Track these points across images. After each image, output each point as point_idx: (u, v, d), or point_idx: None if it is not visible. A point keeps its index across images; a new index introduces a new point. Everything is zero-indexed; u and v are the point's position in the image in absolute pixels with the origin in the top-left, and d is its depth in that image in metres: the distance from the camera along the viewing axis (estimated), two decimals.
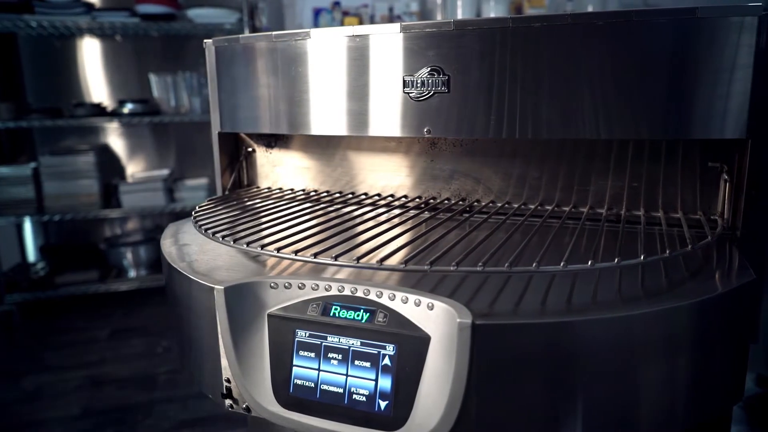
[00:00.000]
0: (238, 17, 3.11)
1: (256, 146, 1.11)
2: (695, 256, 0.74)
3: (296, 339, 0.67)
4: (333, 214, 0.91)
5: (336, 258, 0.65)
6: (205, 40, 1.04)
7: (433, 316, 0.61)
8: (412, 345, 0.62)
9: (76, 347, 2.79)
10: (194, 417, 2.25)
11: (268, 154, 1.11)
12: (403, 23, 0.84)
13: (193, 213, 0.90)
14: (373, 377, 0.64)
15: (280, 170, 1.11)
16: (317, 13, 3.23)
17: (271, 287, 0.69)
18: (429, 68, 0.83)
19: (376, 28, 0.85)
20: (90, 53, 3.35)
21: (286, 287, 0.69)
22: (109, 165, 3.33)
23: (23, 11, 2.86)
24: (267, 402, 0.68)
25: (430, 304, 0.62)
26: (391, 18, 3.22)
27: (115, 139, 3.46)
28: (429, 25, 0.82)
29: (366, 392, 0.64)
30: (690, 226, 0.78)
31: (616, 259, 0.62)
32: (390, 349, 0.63)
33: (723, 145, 0.81)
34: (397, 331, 0.63)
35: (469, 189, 0.98)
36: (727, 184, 0.81)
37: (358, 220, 0.86)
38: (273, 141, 1.10)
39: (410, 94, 0.84)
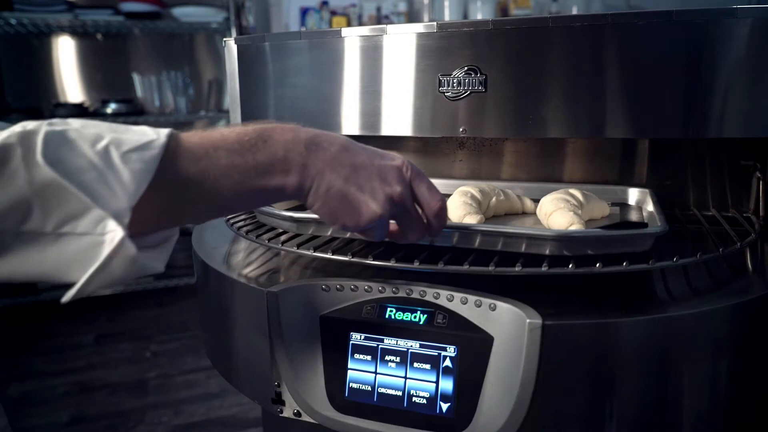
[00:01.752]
0: (225, 16, 3.07)
1: None
2: (738, 254, 0.74)
3: (351, 342, 0.66)
4: None
5: (396, 260, 0.64)
6: (224, 39, 1.02)
7: (496, 317, 0.61)
8: (475, 346, 0.62)
9: (62, 353, 2.73)
10: (188, 422, 2.21)
11: None
12: (439, 22, 0.83)
13: None
14: (434, 379, 0.63)
15: None
16: (304, 12, 3.21)
17: (323, 289, 0.68)
18: (465, 67, 0.82)
19: (410, 27, 0.84)
20: (71, 52, 3.27)
21: (338, 289, 0.68)
22: None
23: (2, 9, 2.79)
24: (321, 406, 0.67)
25: (492, 305, 0.62)
26: (378, 18, 3.22)
27: None
28: (466, 24, 0.81)
29: (426, 394, 0.63)
30: (719, 224, 0.79)
31: (674, 258, 0.62)
32: (451, 350, 0.63)
33: (756, 144, 0.83)
34: (458, 332, 0.63)
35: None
36: (761, 183, 0.82)
37: None
38: None
39: (446, 94, 0.84)
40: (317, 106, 0.92)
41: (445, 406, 0.62)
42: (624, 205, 0.88)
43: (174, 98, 3.21)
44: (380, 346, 0.65)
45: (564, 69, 0.79)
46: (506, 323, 0.60)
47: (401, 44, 0.84)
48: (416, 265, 0.63)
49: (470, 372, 0.62)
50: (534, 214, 0.83)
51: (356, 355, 0.66)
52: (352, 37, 0.87)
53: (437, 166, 1.01)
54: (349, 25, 3.17)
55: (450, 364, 0.63)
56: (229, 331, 0.76)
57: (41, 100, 3.17)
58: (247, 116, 1.01)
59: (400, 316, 0.65)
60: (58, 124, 0.46)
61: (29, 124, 0.45)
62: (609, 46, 0.77)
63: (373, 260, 0.65)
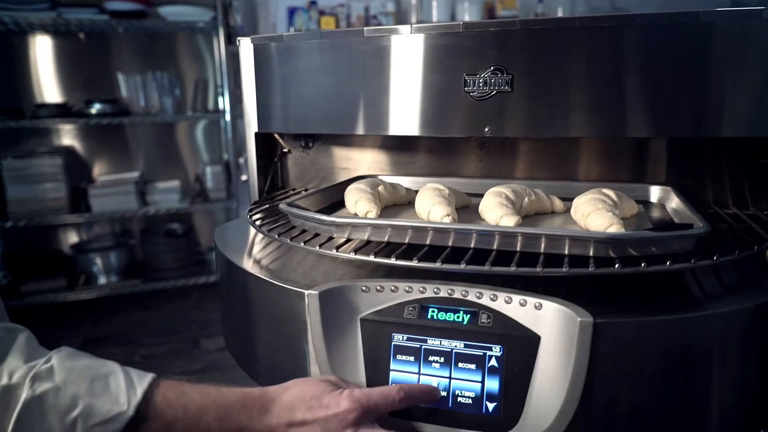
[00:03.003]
0: (212, 15, 3.04)
1: (291, 147, 1.08)
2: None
3: (393, 343, 0.66)
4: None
5: (443, 262, 0.64)
6: (239, 38, 1.01)
7: (542, 316, 0.61)
8: (521, 345, 0.62)
9: None
10: None
11: (304, 155, 1.08)
12: (465, 22, 0.83)
13: (249, 216, 0.86)
14: (479, 379, 0.63)
15: (317, 171, 1.09)
16: (292, 12, 3.19)
17: (363, 290, 0.67)
18: (492, 67, 0.82)
19: (436, 27, 0.84)
20: (53, 51, 3.20)
21: (378, 290, 0.67)
22: (74, 168, 3.19)
23: None
24: None
25: (537, 304, 0.62)
26: (366, 18, 3.21)
27: (76, 141, 3.32)
28: (493, 24, 0.81)
29: (472, 395, 0.63)
30: (742, 222, 0.81)
31: (714, 256, 0.63)
32: (496, 350, 0.63)
33: None
34: (504, 331, 0.63)
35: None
36: None
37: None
38: (311, 141, 1.07)
39: (471, 94, 0.84)
40: (338, 106, 0.91)
41: (491, 406, 0.62)
42: (646, 203, 0.89)
43: (160, 98, 3.16)
44: (423, 347, 0.65)
45: (590, 69, 0.79)
46: (553, 322, 0.60)
47: (425, 44, 0.84)
48: (463, 266, 0.63)
49: (517, 371, 0.62)
50: (563, 213, 0.83)
51: (398, 356, 0.66)
52: (375, 37, 0.87)
53: (456, 166, 1.01)
54: (337, 25, 3.15)
55: (496, 364, 0.62)
56: (261, 333, 0.75)
57: (23, 101, 3.09)
58: (261, 115, 1.00)
59: (442, 316, 0.65)
60: (44, 378, 0.53)
61: (16, 374, 0.52)
62: (635, 47, 0.77)
63: (418, 262, 0.65)
